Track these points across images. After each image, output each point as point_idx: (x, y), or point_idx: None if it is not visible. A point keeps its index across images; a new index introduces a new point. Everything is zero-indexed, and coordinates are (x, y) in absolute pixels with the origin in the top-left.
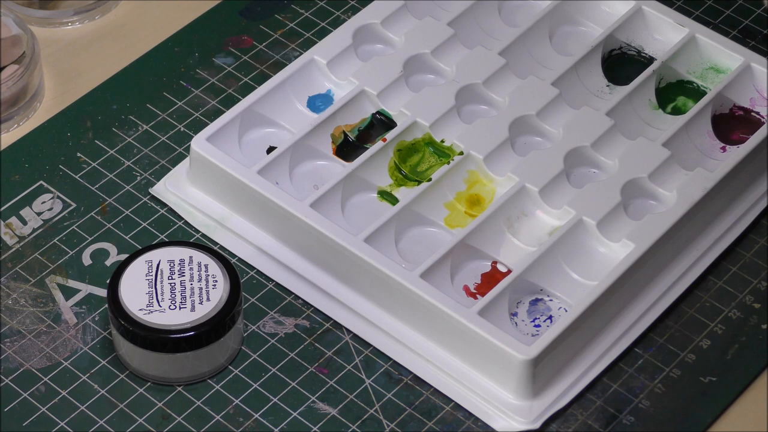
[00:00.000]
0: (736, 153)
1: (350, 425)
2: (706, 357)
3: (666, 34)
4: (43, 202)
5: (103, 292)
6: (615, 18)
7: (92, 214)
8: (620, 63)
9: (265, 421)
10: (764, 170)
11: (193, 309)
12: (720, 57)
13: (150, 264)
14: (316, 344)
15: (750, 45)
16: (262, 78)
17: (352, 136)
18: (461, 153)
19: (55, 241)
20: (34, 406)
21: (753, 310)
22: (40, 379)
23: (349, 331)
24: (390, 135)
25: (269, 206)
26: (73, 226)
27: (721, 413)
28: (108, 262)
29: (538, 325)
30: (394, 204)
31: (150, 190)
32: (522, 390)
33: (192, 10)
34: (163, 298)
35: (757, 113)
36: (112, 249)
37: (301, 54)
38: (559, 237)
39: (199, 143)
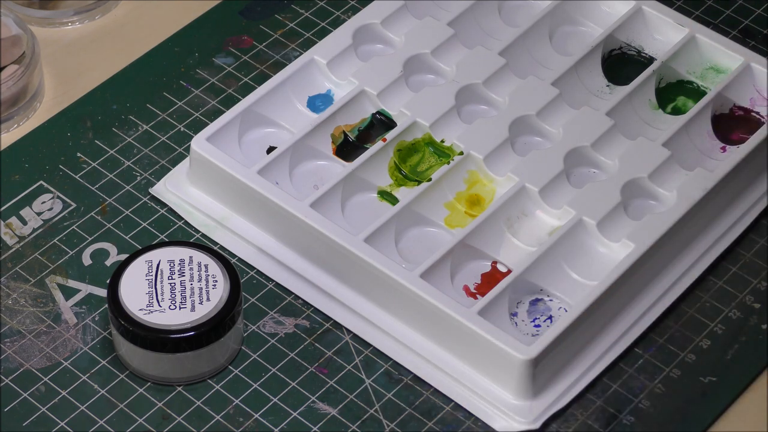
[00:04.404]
0: (736, 153)
1: (350, 425)
2: (706, 357)
3: (666, 34)
4: (43, 202)
5: (103, 292)
6: (615, 18)
7: (92, 214)
8: (620, 63)
9: (265, 421)
10: (764, 170)
11: (193, 309)
12: (720, 57)
13: (150, 264)
14: (316, 344)
15: (750, 45)
16: (262, 78)
17: (352, 136)
18: (461, 153)
19: (55, 241)
20: (34, 406)
21: (753, 310)
22: (40, 379)
23: (349, 331)
24: (390, 135)
25: (269, 206)
26: (73, 226)
27: (721, 413)
28: (108, 262)
29: (538, 325)
30: (394, 204)
31: (150, 190)
32: (522, 390)
33: (192, 10)
34: (163, 298)
35: (757, 113)
36: (112, 249)
37: (301, 54)
38: (559, 237)
39: (199, 143)
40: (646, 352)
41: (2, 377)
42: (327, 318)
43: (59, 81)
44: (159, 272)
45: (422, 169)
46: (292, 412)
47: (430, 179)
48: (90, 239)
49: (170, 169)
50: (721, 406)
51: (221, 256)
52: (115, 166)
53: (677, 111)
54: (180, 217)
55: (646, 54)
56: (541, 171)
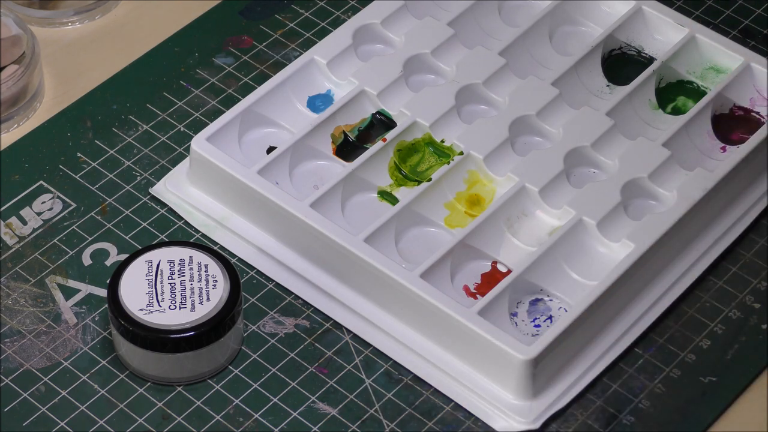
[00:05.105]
0: (736, 153)
1: (350, 425)
2: (706, 357)
3: (666, 34)
4: (43, 202)
5: (103, 292)
6: (615, 18)
7: (92, 214)
8: (620, 63)
9: (265, 421)
10: (764, 170)
11: (193, 309)
12: (720, 57)
13: (150, 264)
14: (316, 344)
15: (750, 45)
16: (262, 78)
17: (352, 136)
18: (461, 153)
19: (55, 241)
20: (34, 406)
21: (753, 310)
22: (40, 379)
23: (349, 331)
24: (390, 135)
25: (269, 206)
26: (73, 226)
27: (721, 413)
28: (108, 262)
29: (538, 325)
30: (394, 204)
31: (150, 190)
32: (522, 390)
33: (192, 10)
34: (163, 298)
35: (757, 113)
36: (112, 249)
37: (301, 54)
38: (559, 237)
39: (199, 143)
40: (646, 352)
41: (2, 377)
42: (327, 318)
43: (59, 81)
44: (159, 272)
45: (422, 169)
46: (292, 412)
47: (430, 179)
48: (90, 239)
49: (170, 169)
50: (721, 406)
51: (221, 256)
52: (115, 166)
53: (677, 111)
54: (180, 217)
55: (646, 54)
56: (541, 171)
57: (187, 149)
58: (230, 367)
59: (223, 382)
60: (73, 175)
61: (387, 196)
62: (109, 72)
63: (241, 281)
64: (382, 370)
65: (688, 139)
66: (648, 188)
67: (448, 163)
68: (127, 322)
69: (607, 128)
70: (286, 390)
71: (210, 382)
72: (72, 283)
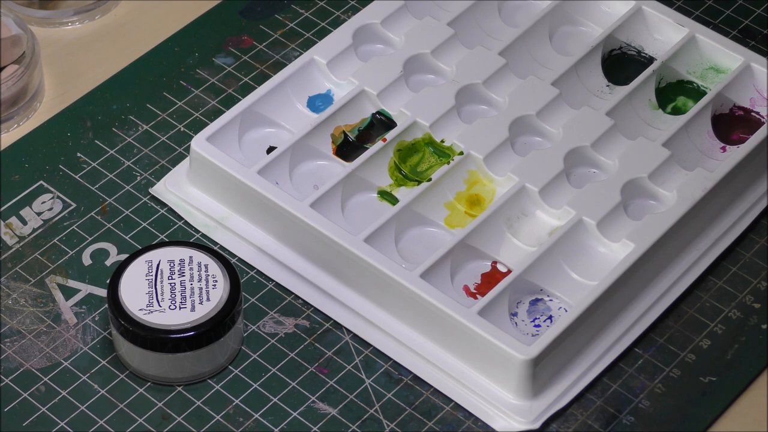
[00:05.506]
0: (736, 153)
1: (350, 425)
2: (706, 357)
3: (666, 34)
4: (43, 202)
5: (103, 292)
6: (615, 18)
7: (92, 214)
8: (620, 63)
9: (265, 421)
10: (764, 170)
11: (193, 309)
12: (720, 57)
13: (150, 264)
14: (316, 344)
15: (750, 45)
16: (262, 78)
17: (352, 136)
18: (461, 153)
19: (55, 241)
20: (34, 406)
21: (753, 310)
22: (40, 379)
23: (349, 331)
24: (390, 135)
25: (269, 206)
26: (73, 226)
27: (721, 413)
28: (108, 262)
29: (538, 325)
30: (394, 204)
31: (150, 190)
32: (522, 390)
33: (192, 10)
34: (163, 298)
35: (757, 113)
36: (112, 249)
37: (301, 54)
38: (559, 237)
39: (199, 143)
40: (646, 352)
41: (2, 377)
42: (327, 318)
43: (59, 81)
44: (159, 272)
45: (422, 169)
46: (292, 412)
47: (430, 179)
48: (90, 239)
49: (170, 169)
50: (721, 406)
51: (221, 256)
52: (115, 166)
53: (677, 111)
54: (180, 217)
55: (646, 54)
56: (541, 171)
57: (187, 149)
58: (230, 367)
59: (223, 382)
60: (73, 175)
61: (387, 196)
62: (109, 72)
63: (241, 281)
64: (382, 370)
65: (688, 139)
66: (648, 188)
67: (448, 163)
68: (127, 322)
69: (607, 128)
70: (286, 390)
71: (210, 382)
72: (72, 283)
